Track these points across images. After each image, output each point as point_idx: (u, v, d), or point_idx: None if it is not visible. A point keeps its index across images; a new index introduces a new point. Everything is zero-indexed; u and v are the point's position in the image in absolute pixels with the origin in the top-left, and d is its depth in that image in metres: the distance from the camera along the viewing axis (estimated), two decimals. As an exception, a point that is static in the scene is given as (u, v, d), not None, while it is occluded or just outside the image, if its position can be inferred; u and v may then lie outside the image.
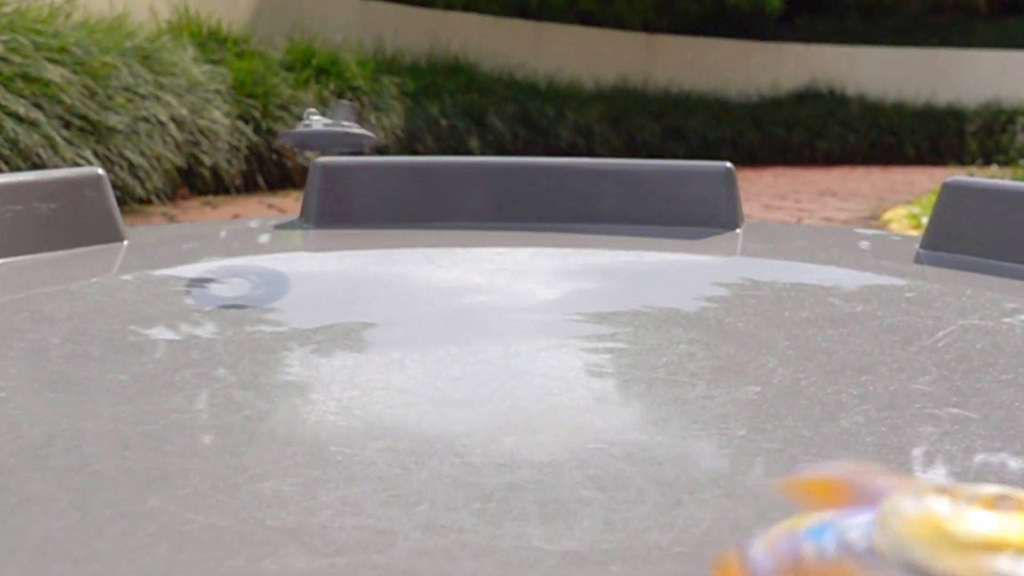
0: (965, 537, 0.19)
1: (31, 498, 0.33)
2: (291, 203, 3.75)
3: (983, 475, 0.37)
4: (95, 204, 0.70)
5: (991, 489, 0.21)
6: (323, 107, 4.62)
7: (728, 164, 0.82)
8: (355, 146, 0.71)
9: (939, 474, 0.38)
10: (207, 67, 4.01)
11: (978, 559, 0.19)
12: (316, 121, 0.70)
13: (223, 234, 0.77)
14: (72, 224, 0.69)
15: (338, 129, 0.69)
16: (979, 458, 0.39)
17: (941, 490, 0.21)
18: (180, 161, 3.65)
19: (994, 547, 0.19)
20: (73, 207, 0.69)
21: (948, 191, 0.73)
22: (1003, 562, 0.19)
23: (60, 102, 3.03)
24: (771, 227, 0.98)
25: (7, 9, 3.11)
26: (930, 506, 0.20)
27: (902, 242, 0.84)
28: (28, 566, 0.28)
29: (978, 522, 0.20)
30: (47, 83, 3.01)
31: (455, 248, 0.73)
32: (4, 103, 2.83)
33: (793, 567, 0.21)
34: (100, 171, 0.71)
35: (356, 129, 0.69)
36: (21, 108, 2.87)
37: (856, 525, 0.21)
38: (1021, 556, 0.19)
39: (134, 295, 0.60)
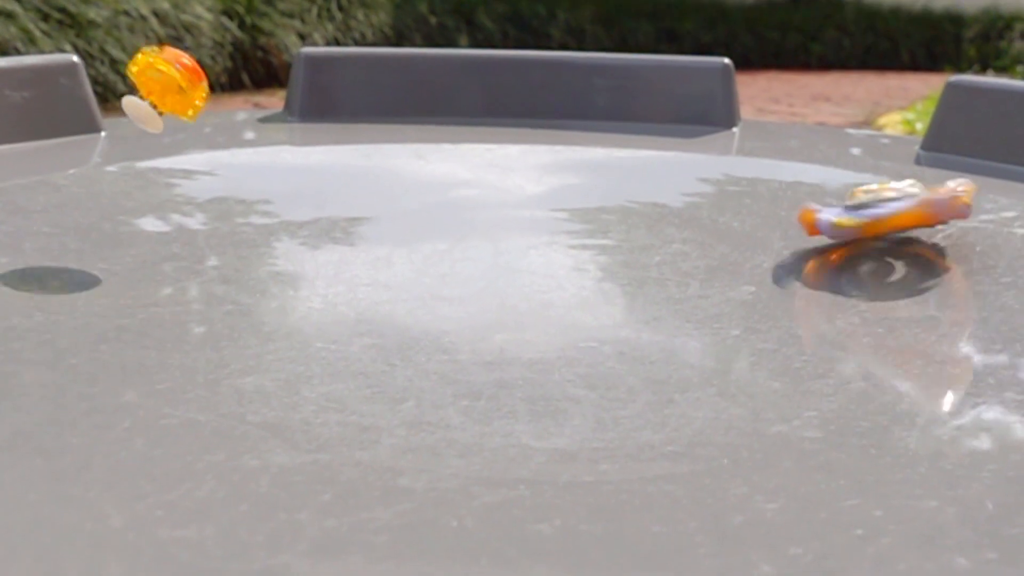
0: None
1: (2, 392, 0.32)
2: (277, 102, 3.68)
3: (982, 376, 0.37)
4: (70, 92, 0.68)
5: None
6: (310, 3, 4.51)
7: (726, 60, 0.80)
8: None
9: (939, 373, 0.38)
10: (189, -42, 3.89)
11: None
12: None
13: (204, 126, 0.75)
14: (46, 113, 0.66)
15: None
16: (978, 360, 0.38)
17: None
18: (163, 57, 3.56)
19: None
20: (47, 96, 0.67)
21: (951, 90, 0.71)
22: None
23: (38, -7, 2.94)
24: (768, 126, 0.96)
25: None
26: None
27: (902, 143, 0.82)
28: (-2, 460, 0.27)
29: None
30: (24, -27, 2.92)
31: (444, 143, 0.71)
32: (-21, -7, 2.75)
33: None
34: (75, 58, 0.69)
35: None
36: (-3, -1, 2.79)
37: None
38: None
39: (112, 187, 0.59)
